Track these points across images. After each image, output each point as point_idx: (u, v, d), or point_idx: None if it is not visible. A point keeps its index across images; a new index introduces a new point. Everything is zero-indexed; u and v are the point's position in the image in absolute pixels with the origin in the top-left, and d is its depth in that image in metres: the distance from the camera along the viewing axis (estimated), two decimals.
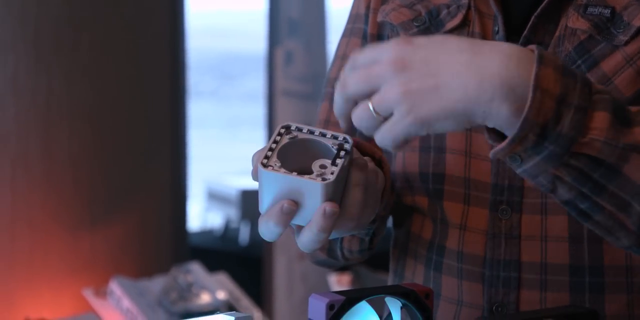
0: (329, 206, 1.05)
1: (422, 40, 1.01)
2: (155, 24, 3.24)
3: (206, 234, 5.34)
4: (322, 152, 1.10)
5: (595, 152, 1.01)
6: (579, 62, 1.21)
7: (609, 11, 1.21)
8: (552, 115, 0.99)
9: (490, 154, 1.03)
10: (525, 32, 1.24)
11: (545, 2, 1.23)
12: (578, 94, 1.01)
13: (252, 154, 1.09)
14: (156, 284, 2.98)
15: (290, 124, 1.10)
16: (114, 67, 3.15)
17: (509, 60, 0.99)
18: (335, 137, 1.09)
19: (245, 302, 3.09)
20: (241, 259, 4.72)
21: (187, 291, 2.97)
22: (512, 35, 1.25)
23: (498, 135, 1.04)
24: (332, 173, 1.07)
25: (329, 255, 1.37)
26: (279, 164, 1.07)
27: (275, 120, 3.69)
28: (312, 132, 1.09)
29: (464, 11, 1.29)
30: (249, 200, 5.25)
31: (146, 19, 3.22)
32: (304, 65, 3.77)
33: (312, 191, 1.07)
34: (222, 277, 3.16)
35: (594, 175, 1.02)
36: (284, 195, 1.07)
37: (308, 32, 3.79)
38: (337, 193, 1.08)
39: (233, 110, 12.97)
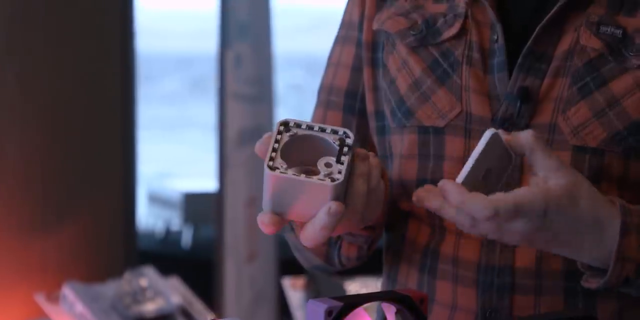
0: (334, 205, 1.07)
1: (556, 216, 1.10)
2: (107, 25, 3.22)
3: (148, 237, 5.31)
4: (323, 147, 1.09)
5: None
6: (588, 79, 1.22)
7: (621, 32, 1.22)
8: (634, 274, 1.14)
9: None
10: (530, 42, 1.24)
11: (551, 13, 1.24)
12: None
13: (255, 147, 1.10)
14: (109, 288, 2.96)
15: (289, 119, 1.10)
16: (65, 68, 3.12)
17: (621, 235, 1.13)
18: (335, 132, 1.09)
19: (198, 306, 3.08)
20: (185, 262, 4.69)
21: (141, 295, 2.95)
22: (509, 44, 1.26)
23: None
24: (339, 172, 1.07)
25: (326, 262, 1.36)
26: (285, 166, 1.07)
27: (226, 123, 3.67)
28: (311, 128, 1.09)
29: (461, 20, 1.29)
30: (192, 203, 5.22)
31: (98, 19, 3.20)
32: (252, 67, 3.76)
33: (320, 191, 1.07)
34: (175, 281, 3.14)
35: None
36: (290, 194, 1.08)
37: (256, 34, 3.79)
38: (342, 189, 1.09)
39: (154, 112, 12.90)
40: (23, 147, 3.05)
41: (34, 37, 3.06)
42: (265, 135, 1.09)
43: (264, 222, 1.09)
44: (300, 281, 3.28)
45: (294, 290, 3.23)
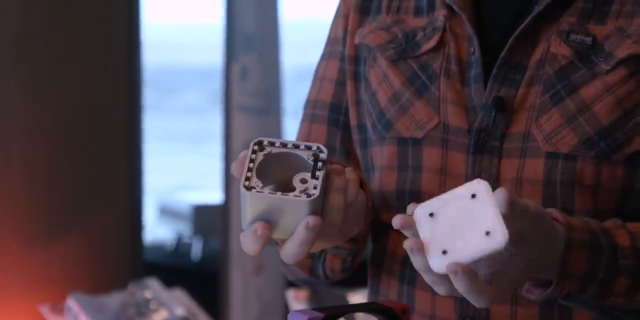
0: (311, 219, 1.07)
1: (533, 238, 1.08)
2: (114, 37, 3.24)
3: (157, 249, 5.32)
4: (298, 163, 1.10)
5: (620, 305, 1.18)
6: (559, 86, 1.23)
7: (591, 39, 1.24)
8: (576, 290, 1.15)
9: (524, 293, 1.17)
10: (503, 53, 1.25)
11: (523, 24, 1.25)
12: (603, 269, 1.15)
13: (231, 167, 1.11)
14: (114, 300, 2.97)
15: (262, 139, 1.11)
16: (71, 79, 3.14)
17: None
18: (309, 148, 1.10)
19: (202, 318, 3.08)
20: (194, 274, 4.70)
21: (145, 307, 2.96)
22: (487, 55, 1.27)
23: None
24: (314, 187, 1.08)
25: (311, 275, 1.37)
26: (260, 185, 1.08)
27: (232, 135, 3.68)
28: (285, 145, 1.10)
29: (439, 33, 1.30)
30: (201, 215, 5.23)
31: (104, 33, 3.22)
32: (259, 79, 3.77)
33: (297, 207, 1.08)
34: (179, 293, 3.15)
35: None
36: (268, 212, 1.09)
37: (263, 46, 3.79)
38: (319, 204, 1.10)
39: (173, 124, 12.91)
40: (29, 158, 3.06)
41: (40, 47, 3.08)
42: (241, 155, 1.10)
43: (247, 243, 1.09)
44: (303, 293, 3.28)
45: (297, 302, 3.23)
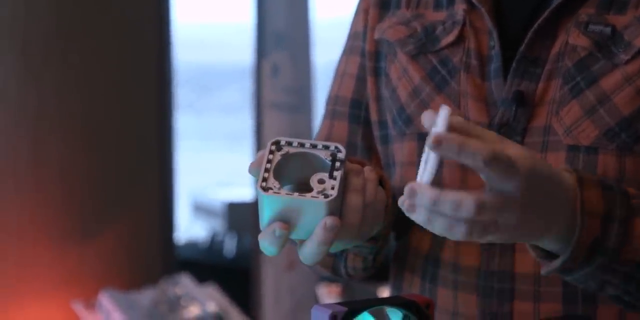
0: (330, 220, 1.06)
1: (533, 185, 1.03)
2: (144, 36, 3.25)
3: (192, 246, 5.33)
4: (316, 164, 1.10)
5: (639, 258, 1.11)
6: (579, 78, 1.22)
7: (610, 29, 1.22)
8: (599, 233, 1.09)
9: (542, 271, 1.12)
10: (522, 47, 1.25)
11: (542, 17, 1.24)
12: (619, 206, 1.11)
13: (248, 167, 1.09)
14: (146, 296, 2.98)
15: (280, 138, 1.10)
16: (102, 79, 3.15)
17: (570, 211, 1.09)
18: (327, 147, 1.10)
19: (234, 314, 3.09)
20: (228, 270, 4.70)
21: (177, 303, 2.97)
22: (507, 50, 1.26)
23: (543, 251, 1.12)
24: (332, 188, 1.07)
25: (333, 273, 1.37)
26: (278, 186, 1.07)
27: (263, 132, 3.68)
28: (302, 145, 1.10)
29: (459, 27, 1.30)
30: (234, 213, 5.24)
31: (135, 31, 3.23)
32: (290, 77, 3.77)
33: (315, 208, 1.07)
34: (211, 289, 3.15)
35: (639, 275, 1.13)
36: (286, 213, 1.08)
37: (294, 44, 3.80)
38: (337, 204, 1.09)
39: (211, 122, 12.93)
40: (62, 157, 3.08)
41: (72, 49, 3.09)
42: (259, 154, 1.10)
43: (265, 243, 1.09)
44: (335, 288, 3.28)
45: (329, 297, 3.23)
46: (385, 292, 3.13)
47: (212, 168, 10.23)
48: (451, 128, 1.00)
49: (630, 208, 1.11)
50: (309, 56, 3.87)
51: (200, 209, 5.59)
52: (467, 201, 0.99)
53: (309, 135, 3.80)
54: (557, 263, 1.10)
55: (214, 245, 5.30)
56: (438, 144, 0.97)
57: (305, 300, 3.75)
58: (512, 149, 1.02)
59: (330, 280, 1.45)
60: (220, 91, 14.83)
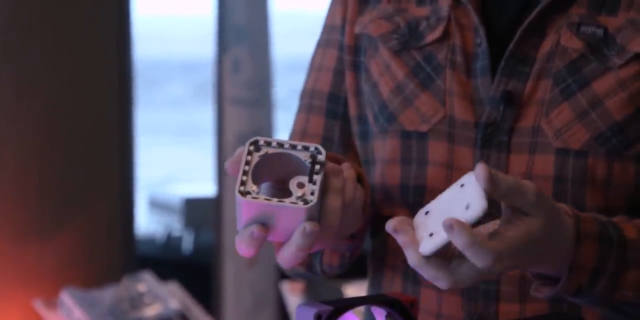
0: (309, 225, 1.05)
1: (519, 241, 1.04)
2: (103, 32, 3.22)
3: (149, 242, 5.31)
4: (295, 165, 1.07)
5: (629, 300, 1.16)
6: (570, 80, 1.21)
7: (602, 31, 1.21)
8: (586, 283, 1.12)
9: (531, 292, 1.15)
10: (511, 45, 1.23)
11: (532, 15, 1.23)
12: (613, 261, 1.12)
13: (226, 167, 1.07)
14: (107, 294, 2.96)
15: (258, 138, 1.07)
16: (61, 74, 3.12)
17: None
18: (306, 148, 1.07)
19: (197, 311, 3.07)
20: (186, 267, 4.69)
21: (139, 301, 2.94)
22: (493, 47, 1.25)
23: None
24: (312, 193, 1.05)
25: (309, 270, 1.35)
26: (256, 190, 1.05)
27: (224, 127, 3.67)
28: (281, 145, 1.07)
29: (444, 24, 1.27)
30: (192, 208, 5.22)
31: (94, 26, 3.20)
32: (250, 71, 3.76)
33: (294, 214, 1.05)
34: (173, 287, 3.14)
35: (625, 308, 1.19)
36: (264, 216, 1.06)
37: (253, 38, 3.78)
38: (317, 208, 1.07)
39: (158, 117, 12.87)
40: (19, 153, 3.05)
41: (31, 43, 3.06)
42: (237, 152, 1.07)
43: (242, 245, 1.07)
44: (298, 285, 3.27)
45: (292, 294, 3.22)
46: (350, 289, 3.13)
47: (164, 163, 10.19)
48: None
49: (625, 262, 1.13)
50: (268, 50, 3.85)
51: (156, 205, 5.56)
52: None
53: (269, 130, 3.79)
54: (548, 293, 1.14)
55: (170, 241, 5.28)
56: (450, 227, 0.99)
57: (267, 296, 3.74)
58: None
59: (300, 277, 1.43)
60: (168, 85, 14.78)
